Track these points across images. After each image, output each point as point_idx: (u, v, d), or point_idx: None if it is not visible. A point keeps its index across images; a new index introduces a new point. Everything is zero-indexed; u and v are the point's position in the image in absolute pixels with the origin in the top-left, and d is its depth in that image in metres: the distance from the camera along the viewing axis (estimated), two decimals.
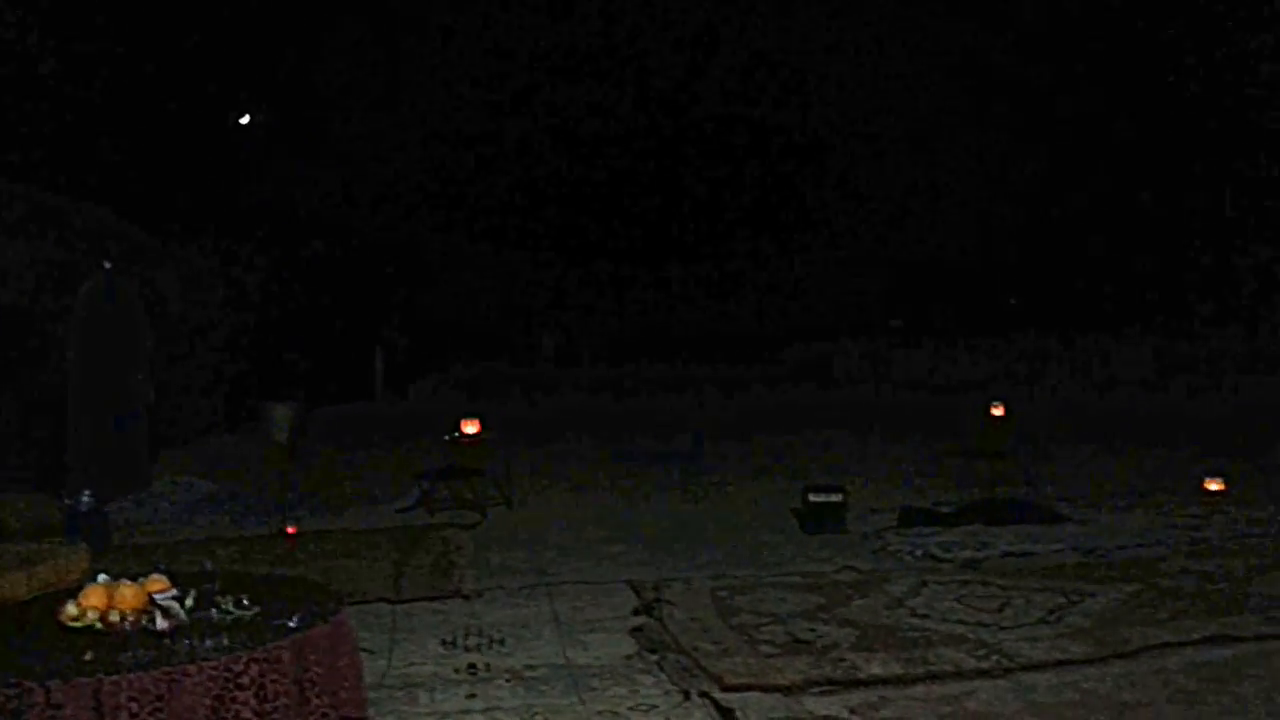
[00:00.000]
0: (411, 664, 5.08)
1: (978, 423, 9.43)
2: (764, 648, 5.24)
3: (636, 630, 5.52)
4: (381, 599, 6.11)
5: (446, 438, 8.75)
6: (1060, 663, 5.03)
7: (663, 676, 4.88)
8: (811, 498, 7.34)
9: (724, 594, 6.13)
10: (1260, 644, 5.22)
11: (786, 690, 4.71)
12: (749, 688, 4.75)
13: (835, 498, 7.33)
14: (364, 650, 5.16)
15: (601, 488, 9.47)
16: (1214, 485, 8.73)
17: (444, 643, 5.36)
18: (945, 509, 8.04)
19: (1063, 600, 5.93)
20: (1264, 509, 8.06)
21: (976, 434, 9.49)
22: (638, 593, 6.15)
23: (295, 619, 3.31)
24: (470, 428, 8.53)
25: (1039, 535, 7.39)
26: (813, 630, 5.46)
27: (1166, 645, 5.22)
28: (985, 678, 4.85)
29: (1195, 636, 5.34)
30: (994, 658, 5.07)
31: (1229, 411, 14.14)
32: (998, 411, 9.24)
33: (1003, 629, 5.49)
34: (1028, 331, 19.10)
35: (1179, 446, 11.01)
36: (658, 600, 6.00)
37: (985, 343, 18.70)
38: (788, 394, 17.13)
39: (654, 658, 5.12)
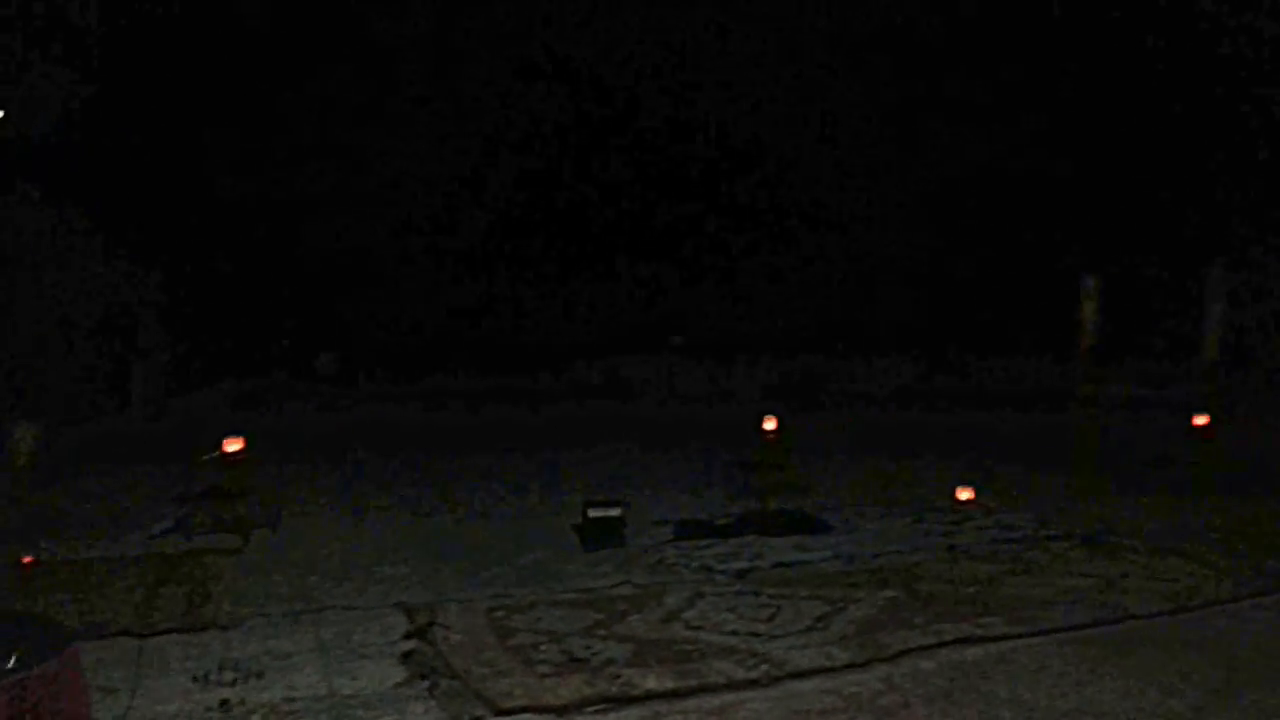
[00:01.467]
0: (157, 702, 4.69)
1: (754, 435, 9.70)
2: (540, 668, 5.15)
3: (408, 656, 5.32)
4: (126, 632, 5.63)
5: (206, 457, 8.23)
6: (825, 669, 5.19)
7: (434, 703, 4.71)
8: (591, 513, 7.32)
9: (501, 614, 6.00)
10: (1007, 643, 5.56)
11: (561, 711, 4.64)
12: (523, 710, 4.65)
13: (615, 512, 7.34)
14: (103, 688, 4.76)
15: (378, 507, 9.15)
16: (964, 495, 9.27)
17: (195, 678, 4.99)
18: (722, 521, 8.20)
19: (828, 608, 6.13)
20: (1012, 516, 8.62)
21: (753, 447, 9.76)
22: (410, 616, 5.93)
23: (14, 659, 2.99)
24: (232, 446, 8.04)
25: (808, 545, 7.64)
26: (589, 648, 5.42)
27: (923, 648, 5.48)
28: (755, 688, 4.94)
29: (949, 638, 5.63)
30: (763, 667, 5.18)
31: (991, 427, 15.10)
32: (770, 425, 9.53)
33: (773, 638, 5.61)
34: (799, 349, 19.91)
35: (936, 459, 11.65)
36: (431, 624, 5.80)
37: (764, 358, 19.33)
38: (578, 409, 17.14)
39: (425, 684, 4.94)
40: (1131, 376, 19.07)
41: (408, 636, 5.60)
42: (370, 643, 5.50)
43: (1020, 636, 5.65)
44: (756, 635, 5.65)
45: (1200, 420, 9.52)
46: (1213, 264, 19.91)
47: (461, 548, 7.55)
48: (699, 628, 5.76)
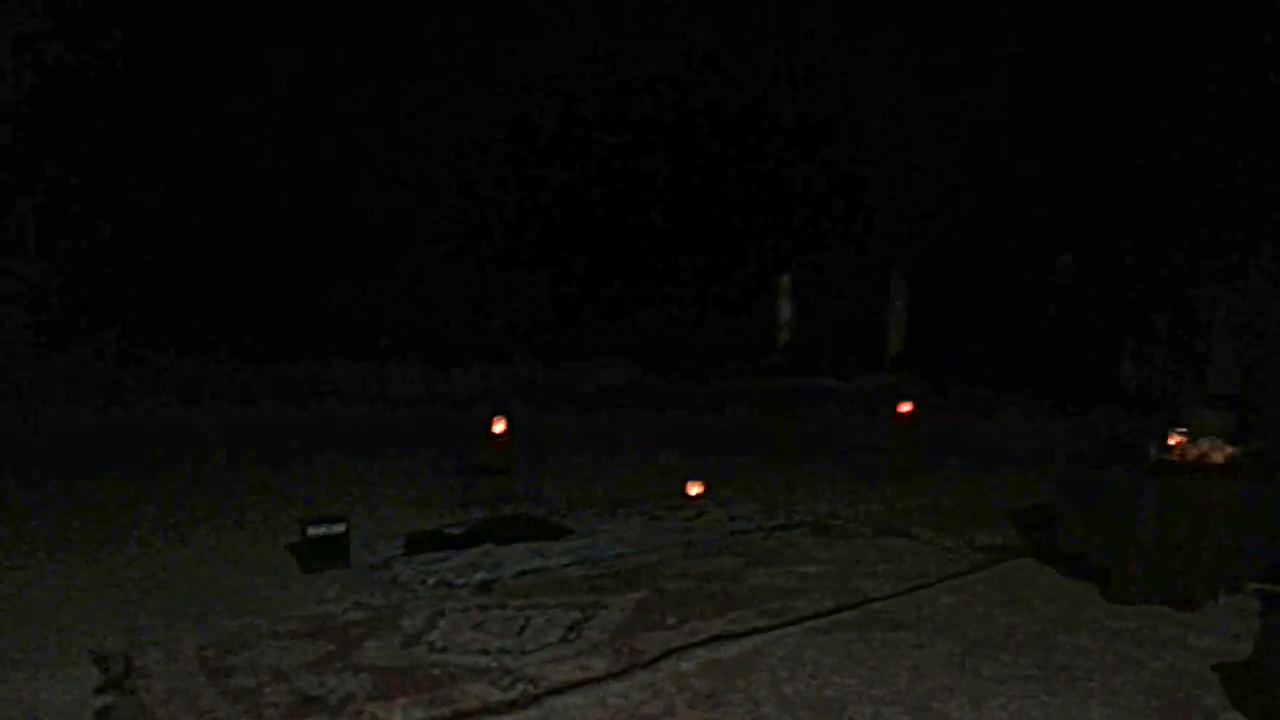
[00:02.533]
0: None
1: (481, 439, 9.28)
2: (268, 712, 4.52)
3: (102, 714, 4.52)
4: None
5: None
6: (585, 681, 4.90)
7: None
8: (311, 531, 6.64)
9: (213, 653, 5.26)
10: (760, 636, 5.50)
11: None
12: None
13: (338, 529, 6.70)
14: None
15: (49, 534, 7.93)
16: (694, 490, 9.31)
17: None
18: (453, 530, 7.74)
19: (579, 615, 5.85)
20: (741, 508, 8.71)
21: (481, 450, 9.34)
22: (103, 666, 5.08)
23: None
24: None
25: (547, 550, 7.33)
26: (323, 683, 4.83)
27: (681, 649, 5.31)
28: (514, 710, 4.57)
29: (704, 636, 5.50)
30: (520, 686, 4.81)
31: (708, 423, 15.41)
32: (499, 427, 9.15)
33: (526, 653, 5.26)
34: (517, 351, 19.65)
35: (661, 456, 11.69)
36: (129, 672, 4.99)
37: (482, 361, 18.90)
38: (279, 412, 15.92)
39: None
40: (823, 370, 20.25)
41: (101, 691, 4.78)
42: (55, 704, 4.64)
43: (772, 629, 5.62)
44: (508, 652, 5.27)
45: (904, 408, 10.06)
46: (894, 265, 21.51)
47: (159, 579, 6.65)
48: (445, 649, 5.30)
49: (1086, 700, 4.59)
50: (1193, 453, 5.94)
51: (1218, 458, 5.84)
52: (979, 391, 15.64)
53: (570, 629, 5.63)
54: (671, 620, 5.78)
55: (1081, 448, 7.96)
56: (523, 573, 6.75)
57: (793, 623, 5.72)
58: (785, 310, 23.94)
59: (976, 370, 15.79)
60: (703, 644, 5.39)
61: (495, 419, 9.18)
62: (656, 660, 5.17)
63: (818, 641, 5.40)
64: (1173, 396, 10.89)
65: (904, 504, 8.73)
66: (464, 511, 8.52)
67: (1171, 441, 6.12)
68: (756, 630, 5.59)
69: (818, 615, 5.83)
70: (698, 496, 9.20)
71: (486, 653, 5.26)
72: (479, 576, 6.63)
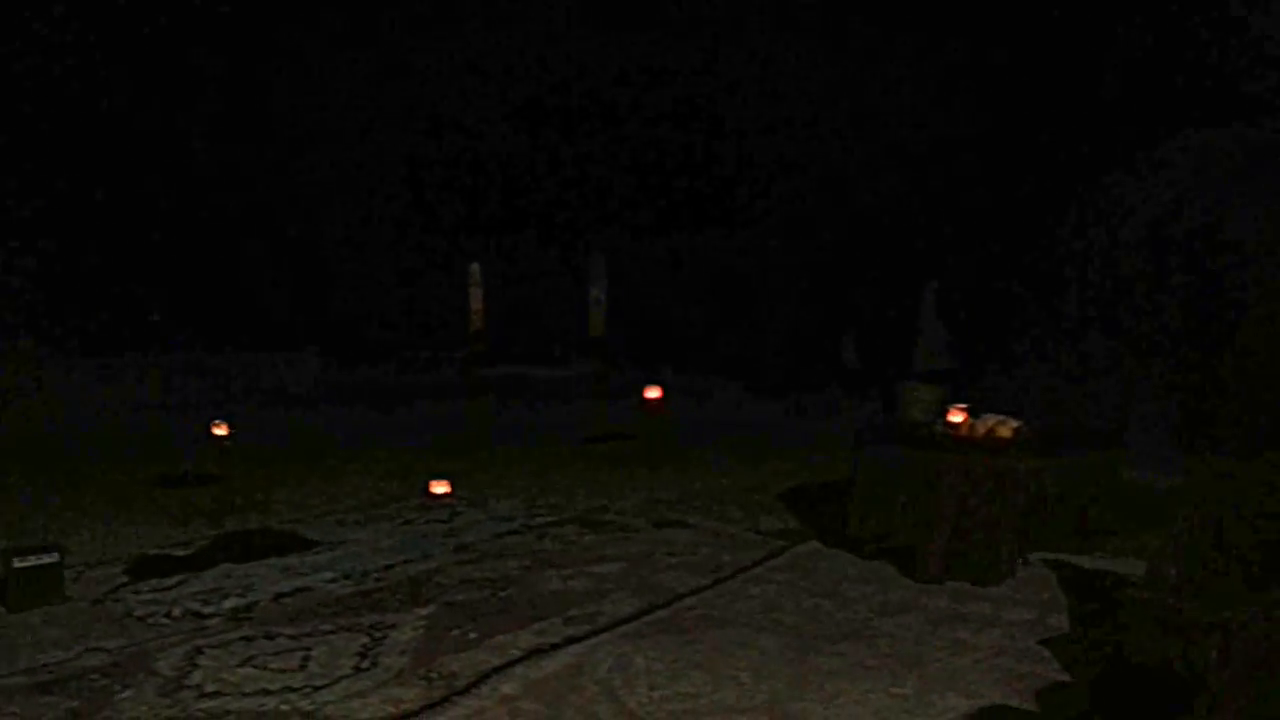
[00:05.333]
0: None
1: (201, 447, 8.08)
2: None
3: None
4: None
5: None
6: (401, 718, 4.22)
7: None
8: (17, 564, 5.37)
9: None
10: (577, 646, 5.02)
11: None
12: None
13: (50, 558, 5.48)
14: None
15: None
16: (439, 488, 8.63)
17: None
18: (182, 551, 6.63)
19: (366, 639, 5.11)
20: (498, 505, 8.14)
21: (197, 459, 8.15)
22: None
23: None
24: None
25: (298, 566, 6.44)
26: None
27: (496, 669, 4.73)
28: None
29: (517, 653, 4.94)
30: None
31: (422, 417, 14.53)
32: (221, 431, 8.01)
33: (317, 689, 4.47)
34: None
35: (379, 453, 10.78)
36: None
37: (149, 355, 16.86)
38: None
39: None
40: (524, 359, 19.89)
41: None
42: None
43: (587, 637, 5.15)
44: (295, 689, 4.46)
45: (652, 393, 9.88)
46: (592, 252, 21.46)
47: None
48: (217, 694, 4.41)
49: (936, 686, 4.48)
50: (981, 429, 6.09)
51: (1004, 433, 6.01)
52: (689, 378, 15.82)
53: (361, 655, 4.89)
54: (473, 636, 5.17)
55: (862, 428, 8.06)
56: (282, 594, 5.85)
57: (606, 629, 5.28)
58: (476, 298, 23.34)
59: (687, 356, 15.99)
60: (519, 661, 4.84)
61: (215, 423, 8.02)
62: (475, 685, 4.56)
63: (642, 647, 5.00)
64: (890, 374, 11.42)
65: (668, 493, 8.51)
66: (185, 528, 7.35)
67: (956, 419, 6.25)
68: (572, 640, 5.11)
69: (632, 618, 5.42)
70: (445, 495, 8.52)
71: (269, 692, 4.43)
72: (230, 603, 5.67)
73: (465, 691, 4.50)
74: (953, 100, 12.00)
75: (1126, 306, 9.66)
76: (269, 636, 5.13)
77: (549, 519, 7.67)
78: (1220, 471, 4.56)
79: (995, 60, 11.66)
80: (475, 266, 23.55)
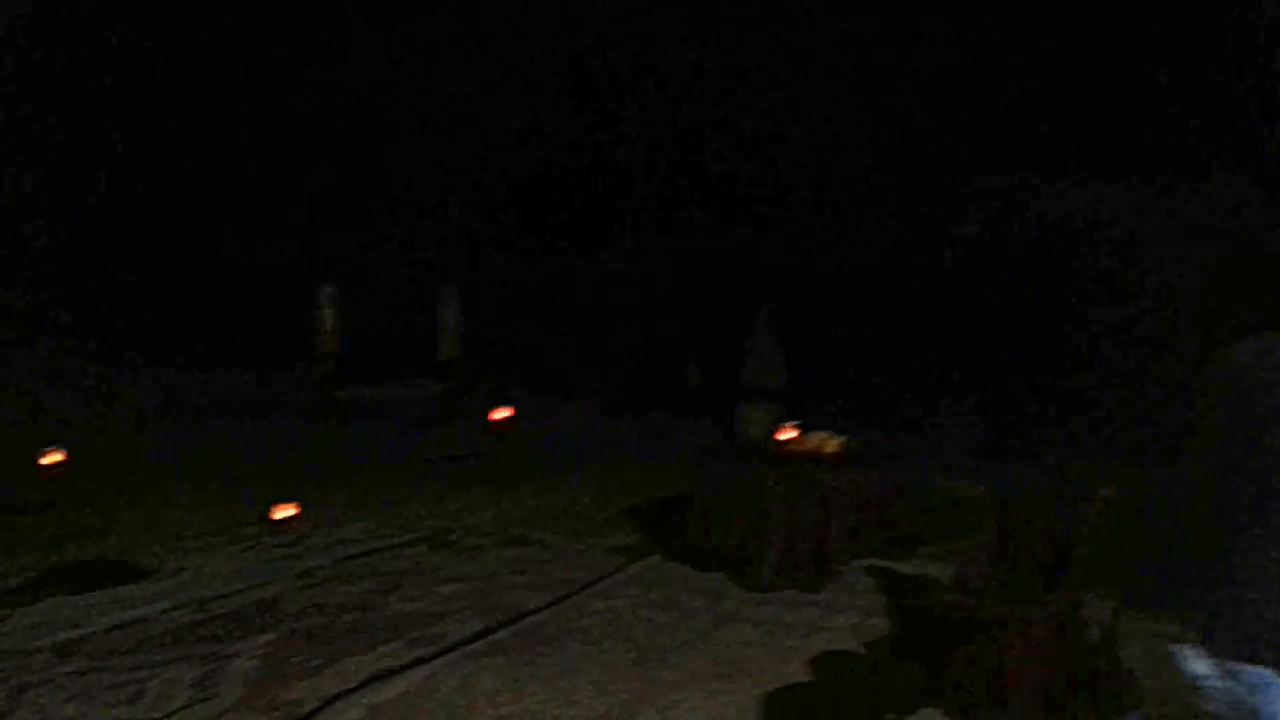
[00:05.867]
0: None
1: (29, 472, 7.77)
2: None
3: None
4: None
5: None
6: None
7: None
8: None
9: None
10: (422, 669, 5.08)
11: None
12: None
13: None
14: None
15: None
16: (284, 512, 8.49)
17: None
18: (9, 583, 6.38)
19: (203, 669, 5.05)
20: (346, 528, 8.09)
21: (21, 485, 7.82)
22: None
23: None
24: None
25: (135, 597, 6.28)
26: None
27: (340, 695, 4.76)
28: None
29: (361, 678, 4.98)
30: None
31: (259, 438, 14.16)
32: (54, 458, 7.71)
33: None
34: None
35: (229, 475, 10.52)
36: None
37: None
38: None
39: None
40: (377, 380, 19.60)
41: None
42: None
43: (432, 659, 5.21)
44: None
45: (499, 414, 9.96)
46: (446, 276, 21.27)
47: None
48: None
49: (771, 694, 4.73)
50: (808, 444, 6.42)
51: (832, 448, 6.36)
52: (543, 398, 15.93)
53: (198, 686, 4.84)
54: (316, 662, 5.17)
55: (704, 445, 8.34)
56: (114, 626, 5.70)
57: (451, 649, 5.35)
58: (329, 318, 22.82)
59: (541, 377, 16.10)
60: (362, 687, 4.87)
61: (48, 450, 7.71)
62: (317, 711, 4.58)
63: (486, 666, 5.10)
64: (731, 393, 11.78)
65: (519, 511, 8.61)
66: (14, 559, 7.05)
67: (786, 435, 6.57)
68: (418, 662, 5.17)
69: (476, 638, 5.51)
70: (290, 519, 8.40)
71: None
72: (59, 637, 5.50)
73: (308, 719, 4.52)
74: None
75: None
76: (99, 671, 5.02)
77: (396, 540, 7.67)
78: (1019, 481, 4.96)
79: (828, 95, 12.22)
80: (327, 288, 23.04)
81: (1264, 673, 2.33)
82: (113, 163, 17.25)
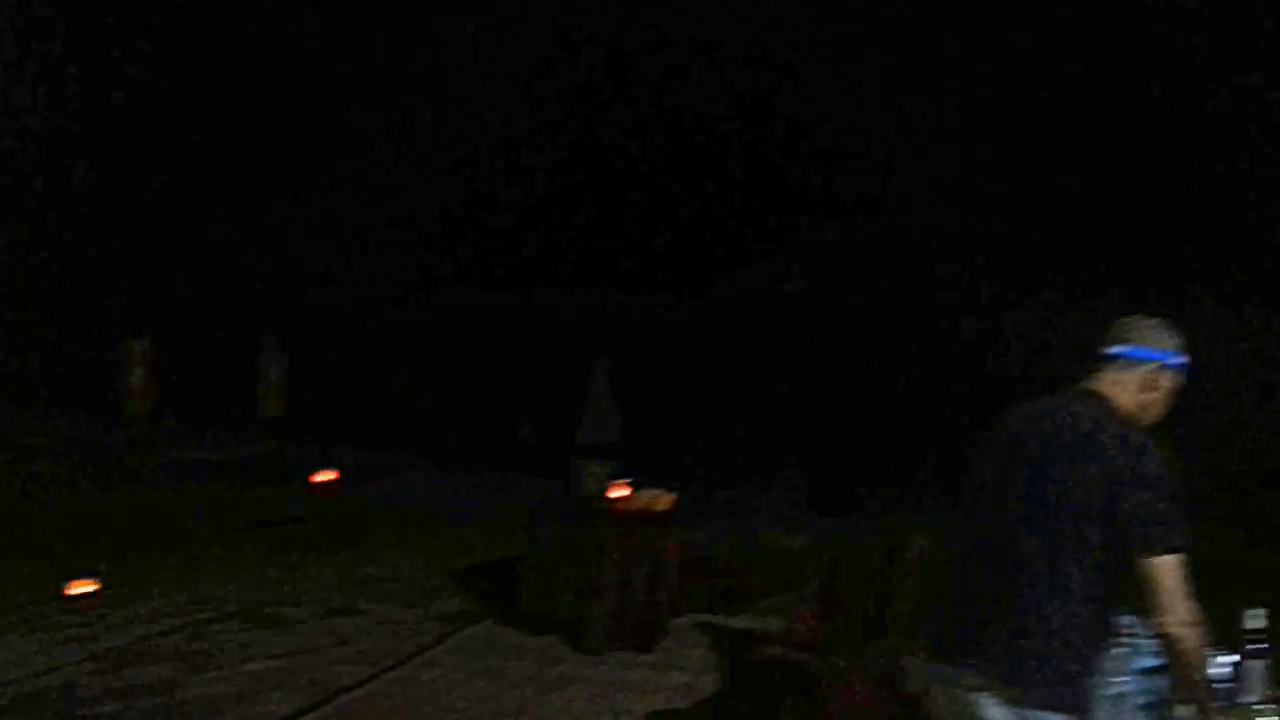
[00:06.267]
0: None
1: None
2: None
3: None
4: None
5: None
6: None
7: None
8: None
9: None
10: None
11: None
12: None
13: None
14: None
15: None
16: (81, 588, 7.88)
17: None
18: None
19: None
20: (156, 603, 7.54)
21: None
22: None
23: None
24: None
25: None
26: None
27: None
28: None
29: None
30: None
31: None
32: None
33: None
34: None
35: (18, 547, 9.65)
36: None
37: None
38: None
39: None
40: (190, 441, 18.58)
41: None
42: None
43: None
44: None
45: (322, 476, 9.55)
46: (267, 335, 20.38)
47: None
48: None
49: None
50: (639, 502, 6.37)
51: (662, 505, 6.32)
52: (374, 455, 15.42)
53: None
54: None
55: (538, 504, 8.18)
56: None
57: None
58: (138, 377, 21.53)
59: (372, 434, 15.61)
60: None
61: None
62: None
63: None
64: (567, 449, 11.67)
65: (342, 579, 8.22)
66: None
67: (618, 493, 6.51)
68: None
69: (294, 718, 5.19)
70: (88, 595, 7.79)
71: None
72: None
73: None
74: None
75: None
76: None
77: (204, 615, 7.19)
78: (843, 534, 5.03)
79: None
80: (137, 343, 21.71)
81: None
82: None
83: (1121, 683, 2.67)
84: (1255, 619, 2.82)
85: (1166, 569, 2.35)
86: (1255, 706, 2.74)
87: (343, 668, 5.95)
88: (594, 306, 12.56)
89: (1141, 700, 2.71)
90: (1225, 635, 2.71)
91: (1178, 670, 2.49)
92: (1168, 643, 2.42)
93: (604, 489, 6.84)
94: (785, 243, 11.55)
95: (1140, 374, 2.57)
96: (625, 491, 6.47)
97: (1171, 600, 2.34)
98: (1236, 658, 2.86)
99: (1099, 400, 2.54)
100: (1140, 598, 2.48)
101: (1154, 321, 2.66)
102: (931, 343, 10.66)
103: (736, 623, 6.34)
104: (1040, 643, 2.39)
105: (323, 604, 7.46)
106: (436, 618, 6.99)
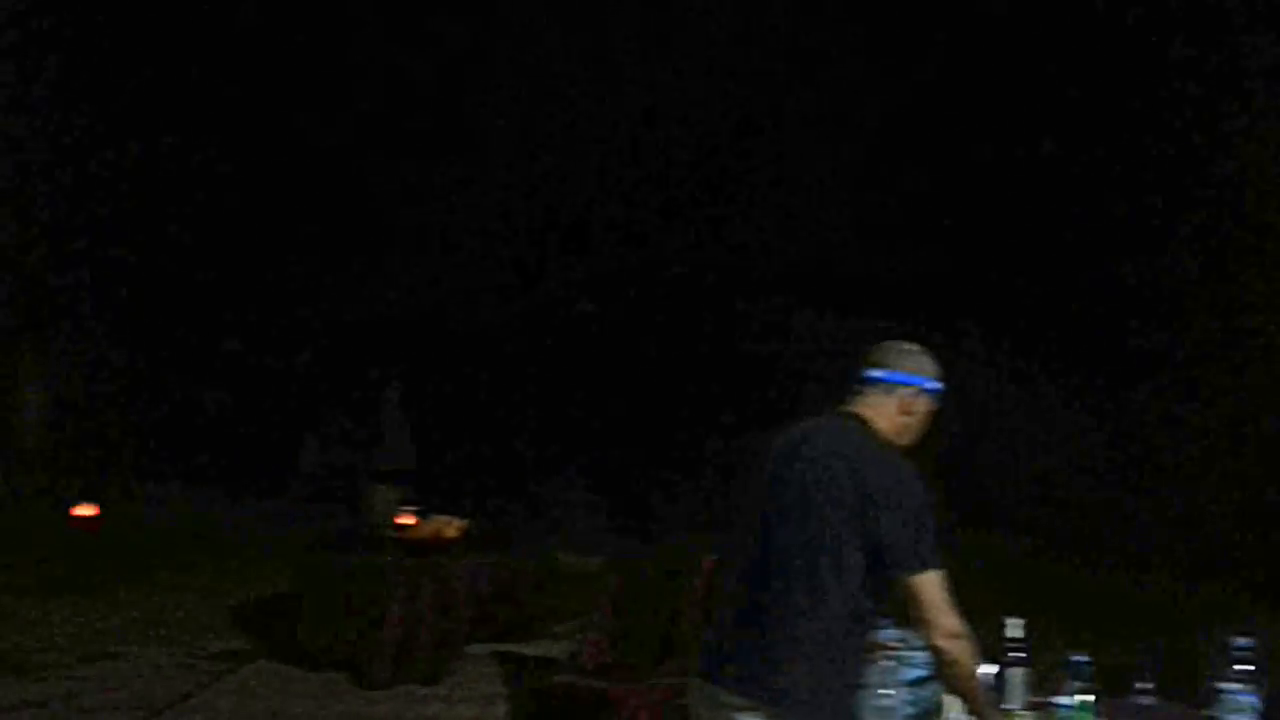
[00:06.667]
0: None
1: None
2: None
3: None
4: None
5: None
6: None
7: None
8: None
9: None
10: None
11: None
12: None
13: None
14: None
15: None
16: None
17: None
18: None
19: None
20: None
21: None
22: None
23: None
24: None
25: None
26: None
27: None
28: None
29: None
30: None
31: None
32: None
33: None
34: None
35: None
36: None
37: None
38: None
39: None
40: None
41: None
42: None
43: None
44: None
45: (83, 511, 8.85)
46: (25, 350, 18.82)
47: None
48: None
49: None
50: (428, 530, 6.20)
51: (451, 533, 6.17)
52: (149, 484, 14.40)
53: None
54: None
55: (320, 533, 7.82)
56: None
57: None
58: None
59: (146, 461, 14.57)
60: None
61: None
62: None
63: None
64: (353, 475, 11.33)
65: (107, 620, 7.62)
66: None
67: (405, 520, 6.32)
68: None
69: None
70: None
71: None
72: None
73: None
74: None
75: None
76: None
77: None
78: (634, 554, 5.04)
79: None
80: None
81: None
82: None
83: (889, 695, 2.75)
84: (1015, 628, 2.97)
85: (928, 585, 2.40)
86: (1017, 713, 2.88)
87: (101, 716, 5.51)
88: (383, 326, 12.23)
89: (910, 711, 2.80)
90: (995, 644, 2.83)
91: (951, 683, 2.55)
92: (937, 657, 2.47)
93: (391, 517, 6.62)
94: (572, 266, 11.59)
95: (898, 397, 2.64)
96: (412, 520, 6.28)
97: (935, 615, 2.39)
98: (997, 667, 3.01)
99: (859, 422, 2.60)
100: (904, 613, 2.56)
101: (912, 347, 2.75)
102: (718, 364, 10.91)
103: (530, 650, 6.25)
104: (799, 660, 2.41)
105: (82, 647, 6.89)
106: (209, 658, 6.58)
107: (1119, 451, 10.01)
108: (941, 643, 2.40)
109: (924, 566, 2.41)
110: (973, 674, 2.51)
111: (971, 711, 2.56)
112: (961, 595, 2.48)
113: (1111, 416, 10.16)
